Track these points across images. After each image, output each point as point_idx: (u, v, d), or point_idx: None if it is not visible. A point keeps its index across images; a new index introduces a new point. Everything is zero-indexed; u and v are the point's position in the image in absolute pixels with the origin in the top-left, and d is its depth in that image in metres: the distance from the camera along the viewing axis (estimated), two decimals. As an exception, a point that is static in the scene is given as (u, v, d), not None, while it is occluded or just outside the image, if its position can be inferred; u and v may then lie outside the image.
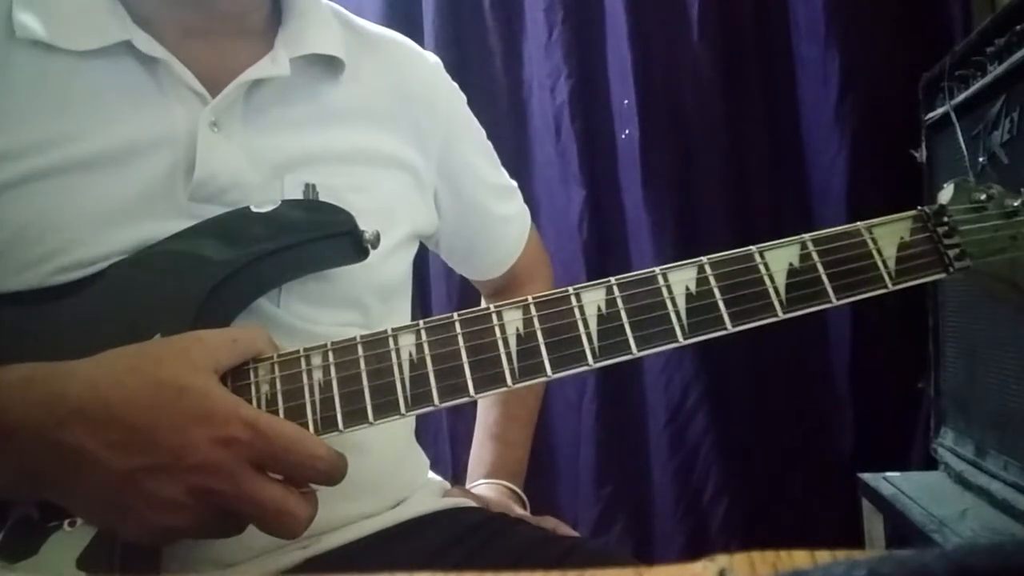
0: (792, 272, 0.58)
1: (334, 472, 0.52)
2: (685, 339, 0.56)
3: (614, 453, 1.42)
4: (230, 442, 0.49)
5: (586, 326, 0.56)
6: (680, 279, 0.57)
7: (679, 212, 1.40)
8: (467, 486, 0.92)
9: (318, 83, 0.72)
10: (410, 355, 0.55)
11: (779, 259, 0.58)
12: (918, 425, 1.28)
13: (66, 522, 0.52)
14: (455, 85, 0.86)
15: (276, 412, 0.54)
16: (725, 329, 0.57)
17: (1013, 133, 0.92)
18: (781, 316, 0.57)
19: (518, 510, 0.87)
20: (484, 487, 0.90)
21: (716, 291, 0.57)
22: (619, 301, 0.57)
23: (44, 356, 0.53)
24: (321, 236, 0.63)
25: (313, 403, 0.54)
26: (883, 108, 1.31)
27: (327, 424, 0.54)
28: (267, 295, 0.64)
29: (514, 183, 0.94)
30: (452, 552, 0.68)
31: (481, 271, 0.96)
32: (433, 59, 0.85)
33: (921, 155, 1.21)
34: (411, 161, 0.76)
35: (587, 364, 0.55)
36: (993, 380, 1.01)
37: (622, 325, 0.56)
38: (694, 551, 1.35)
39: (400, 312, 0.78)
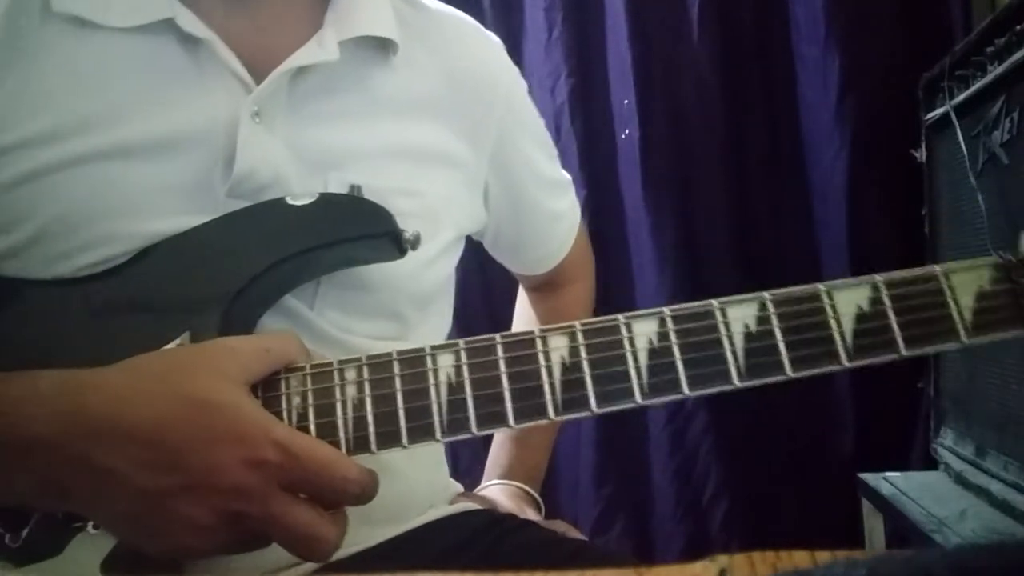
0: (860, 317, 0.53)
1: (365, 496, 0.50)
2: (741, 383, 0.52)
3: (614, 453, 1.42)
4: (261, 464, 0.47)
5: (635, 360, 0.52)
6: (739, 315, 0.53)
7: (679, 212, 1.40)
8: (482, 485, 0.91)
9: (368, 68, 0.67)
10: (448, 377, 0.52)
11: (847, 301, 0.53)
12: (918, 425, 1.28)
13: (90, 524, 0.51)
14: (516, 70, 0.81)
15: (307, 428, 0.52)
16: (785, 375, 0.52)
17: (1013, 133, 0.92)
18: (846, 365, 0.52)
19: (531, 513, 0.86)
20: (497, 489, 0.89)
21: (777, 332, 0.52)
22: (672, 335, 0.52)
23: (71, 343, 0.52)
24: (359, 236, 0.60)
25: (345, 421, 0.52)
26: (883, 108, 1.31)
27: (359, 444, 0.52)
28: (301, 298, 0.62)
29: (568, 177, 0.90)
30: (459, 556, 0.67)
31: (527, 266, 0.92)
32: (495, 41, 0.81)
33: (921, 155, 1.21)
34: (461, 157, 0.72)
35: (634, 401, 0.52)
36: (993, 380, 1.01)
37: (674, 362, 0.52)
38: (694, 551, 1.35)
39: (440, 316, 0.74)
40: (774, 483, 1.37)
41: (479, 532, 0.71)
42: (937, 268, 0.54)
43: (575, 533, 0.84)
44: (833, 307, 0.53)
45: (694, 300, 0.53)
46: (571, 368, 0.52)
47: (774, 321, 0.53)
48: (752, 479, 1.38)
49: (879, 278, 0.54)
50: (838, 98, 1.31)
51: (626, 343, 0.52)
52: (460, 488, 0.81)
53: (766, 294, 0.53)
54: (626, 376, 0.52)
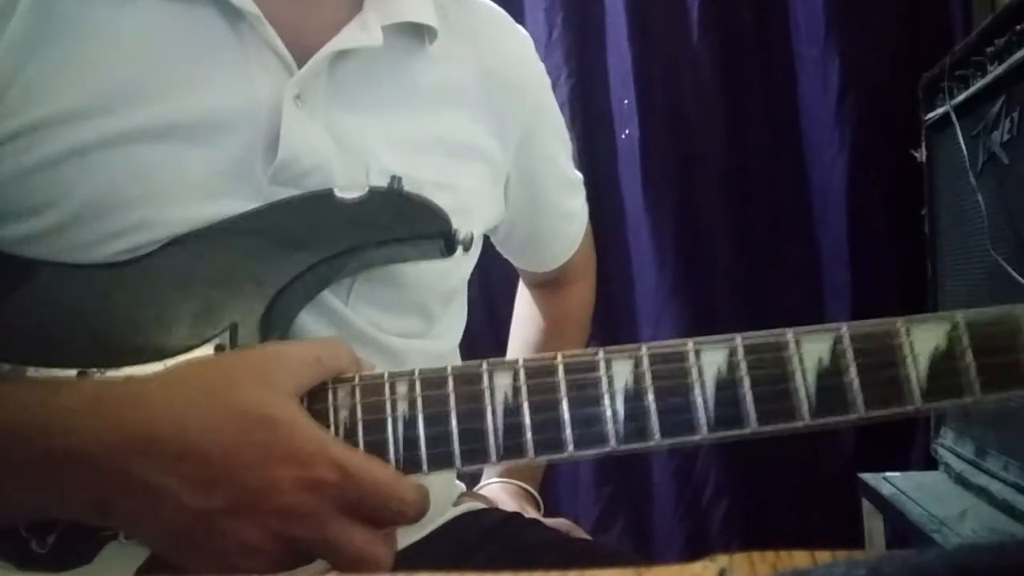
0: (936, 358, 0.49)
1: (419, 517, 0.48)
2: (812, 419, 0.49)
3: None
4: (317, 484, 0.45)
5: (703, 390, 0.49)
6: (813, 349, 0.49)
7: (679, 212, 1.40)
8: (482, 483, 0.91)
9: (407, 55, 0.66)
10: (505, 397, 0.49)
11: (925, 339, 0.49)
12: (918, 425, 1.28)
13: (122, 533, 0.49)
14: (543, 67, 0.81)
15: (355, 443, 0.49)
16: (858, 414, 0.49)
17: (1013, 133, 0.92)
18: (919, 406, 0.49)
19: (531, 511, 0.86)
20: (497, 487, 0.88)
21: (852, 369, 0.49)
22: (742, 365, 0.49)
23: (101, 333, 0.51)
24: (413, 236, 0.58)
25: (396, 440, 0.49)
26: (883, 108, 1.31)
27: (410, 464, 0.49)
28: (337, 293, 0.60)
29: (580, 176, 0.90)
30: (473, 557, 0.67)
31: (535, 263, 0.92)
32: (525, 35, 0.79)
33: (921, 155, 1.21)
34: (490, 151, 0.71)
35: (698, 435, 0.49)
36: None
37: (743, 395, 0.49)
38: (694, 551, 1.35)
39: (459, 312, 0.74)
40: (774, 483, 1.37)
41: (490, 532, 0.71)
42: (1018, 307, 0.50)
43: (578, 532, 0.84)
44: (911, 344, 0.49)
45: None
46: (634, 396, 0.49)
47: (850, 356, 0.49)
48: (752, 479, 1.38)
49: (960, 316, 0.50)
50: (838, 98, 1.32)
51: (694, 372, 0.49)
52: (462, 487, 0.81)
53: (843, 326, 0.50)
54: (690, 408, 0.49)
